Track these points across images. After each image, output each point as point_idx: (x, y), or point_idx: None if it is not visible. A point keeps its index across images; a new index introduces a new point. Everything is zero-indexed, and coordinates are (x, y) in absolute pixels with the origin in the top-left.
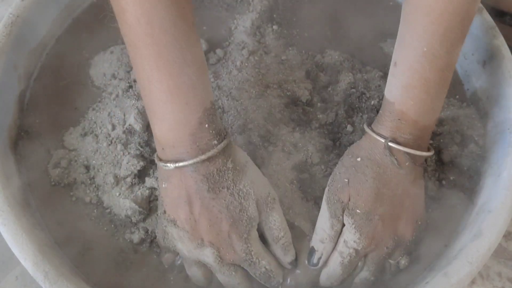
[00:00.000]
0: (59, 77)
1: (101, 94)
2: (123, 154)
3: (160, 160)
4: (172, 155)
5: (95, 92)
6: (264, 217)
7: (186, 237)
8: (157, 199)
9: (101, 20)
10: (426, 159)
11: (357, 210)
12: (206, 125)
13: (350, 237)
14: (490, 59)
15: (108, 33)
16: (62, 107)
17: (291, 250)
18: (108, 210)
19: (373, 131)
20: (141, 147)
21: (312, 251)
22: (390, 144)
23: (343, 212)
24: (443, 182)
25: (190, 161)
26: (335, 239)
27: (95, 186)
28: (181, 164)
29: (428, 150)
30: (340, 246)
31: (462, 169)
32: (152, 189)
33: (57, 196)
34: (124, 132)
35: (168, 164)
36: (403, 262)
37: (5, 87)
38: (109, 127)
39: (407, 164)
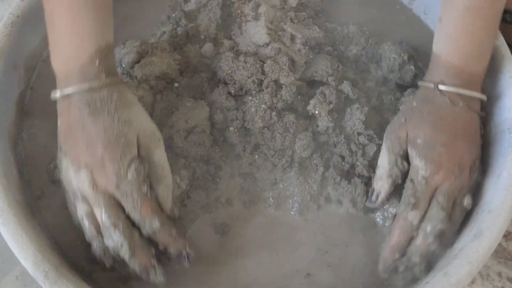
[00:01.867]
0: None
1: None
2: None
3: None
4: (64, 86)
5: None
6: (147, 154)
7: (69, 163)
8: None
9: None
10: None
11: (418, 141)
12: (97, 63)
13: (416, 167)
14: (490, 59)
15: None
16: None
17: (169, 197)
18: None
19: (424, 81)
20: None
21: (372, 190)
22: (439, 86)
23: (401, 148)
24: None
25: (75, 88)
26: (393, 175)
27: None
28: (65, 91)
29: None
30: (409, 181)
31: None
32: None
33: (57, 196)
34: None
35: (56, 92)
36: (466, 201)
37: (5, 87)
38: None
39: (460, 104)
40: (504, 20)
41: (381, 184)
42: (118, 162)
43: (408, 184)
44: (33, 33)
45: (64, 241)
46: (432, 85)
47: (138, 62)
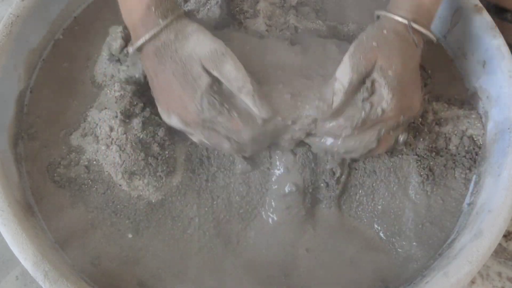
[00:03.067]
0: (59, 77)
1: (100, 94)
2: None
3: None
4: (134, 40)
5: (95, 92)
6: (218, 72)
7: (161, 109)
8: None
9: (101, 20)
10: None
11: (389, 72)
12: (153, 9)
13: (381, 96)
14: (490, 59)
15: (108, 33)
16: (62, 107)
17: (258, 100)
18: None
19: (392, 13)
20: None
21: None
22: (413, 24)
23: (366, 71)
24: (443, 181)
25: (141, 40)
26: (349, 94)
27: (95, 185)
28: (136, 44)
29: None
30: (367, 105)
31: (462, 169)
32: None
33: (57, 195)
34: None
35: (130, 48)
36: (402, 138)
37: (5, 87)
38: (107, 129)
39: (421, 45)
40: (504, 20)
41: (336, 99)
42: (195, 99)
43: (365, 104)
44: (33, 33)
45: (64, 241)
46: (405, 21)
47: (125, 46)
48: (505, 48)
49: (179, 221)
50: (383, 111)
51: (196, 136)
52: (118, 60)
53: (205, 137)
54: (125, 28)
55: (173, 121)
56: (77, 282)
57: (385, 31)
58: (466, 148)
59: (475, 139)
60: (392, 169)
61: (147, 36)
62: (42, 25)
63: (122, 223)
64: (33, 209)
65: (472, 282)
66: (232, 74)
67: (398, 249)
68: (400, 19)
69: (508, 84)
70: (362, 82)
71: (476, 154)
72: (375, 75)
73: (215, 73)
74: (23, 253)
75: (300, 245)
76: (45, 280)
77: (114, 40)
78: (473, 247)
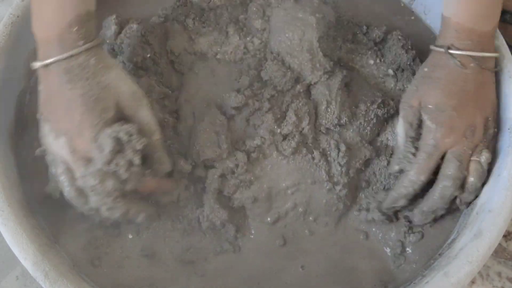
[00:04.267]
0: None
1: None
2: None
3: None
4: (43, 56)
5: None
6: (132, 113)
7: (49, 130)
8: None
9: (99, 19)
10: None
11: (429, 106)
12: (75, 28)
13: (428, 130)
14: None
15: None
16: None
17: (163, 155)
18: None
19: (434, 46)
20: None
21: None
22: (450, 50)
23: (415, 116)
24: None
25: (54, 58)
26: (412, 143)
27: None
28: (46, 61)
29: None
30: (421, 145)
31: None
32: None
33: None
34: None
35: (36, 63)
36: (484, 157)
37: (5, 87)
38: None
39: (471, 65)
40: (504, 20)
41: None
42: (95, 128)
43: (420, 147)
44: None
45: (64, 241)
46: (442, 50)
47: (119, 32)
48: (505, 48)
49: (179, 222)
50: (435, 142)
51: (75, 171)
52: (113, 50)
53: (82, 175)
54: (118, 16)
55: (60, 143)
56: (77, 282)
57: (426, 69)
58: None
59: None
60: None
61: (64, 55)
62: None
63: (122, 223)
64: (33, 209)
65: (472, 282)
66: (146, 118)
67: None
68: (436, 48)
69: (508, 84)
70: (418, 132)
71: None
72: (421, 115)
73: (129, 112)
74: (23, 253)
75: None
76: (45, 280)
77: (108, 28)
78: (473, 247)
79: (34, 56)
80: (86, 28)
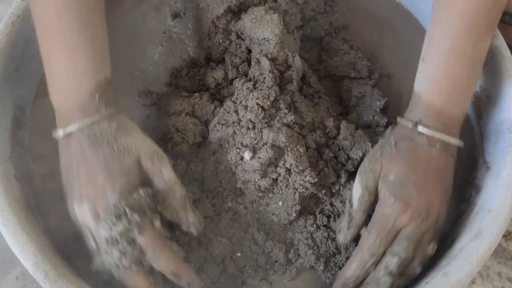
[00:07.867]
0: None
1: None
2: None
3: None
4: (64, 123)
5: None
6: (154, 172)
7: (73, 197)
8: None
9: None
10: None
11: (390, 177)
12: (97, 98)
13: (385, 204)
14: (490, 59)
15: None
16: None
17: (191, 209)
18: None
19: (402, 118)
20: None
21: (339, 226)
22: (418, 126)
23: (375, 182)
24: None
25: (76, 126)
26: (366, 211)
27: None
28: (68, 129)
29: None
30: (376, 217)
31: (462, 168)
32: None
33: (57, 195)
34: None
35: (59, 131)
36: (431, 247)
37: (5, 87)
38: None
39: (438, 146)
40: (503, 21)
41: (353, 218)
42: (118, 186)
43: (373, 219)
44: (33, 33)
45: (64, 241)
46: (410, 124)
47: None
48: (505, 48)
49: None
50: (391, 218)
51: (99, 234)
52: None
53: (112, 233)
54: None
55: (83, 209)
56: (77, 282)
57: (392, 138)
58: (465, 148)
59: (474, 139)
60: None
61: (87, 121)
62: None
63: None
64: (33, 209)
65: (472, 282)
66: (167, 175)
67: None
68: (405, 122)
69: (508, 84)
70: (375, 197)
71: (476, 154)
72: (379, 184)
73: (150, 174)
74: (23, 253)
75: None
76: (45, 280)
77: None
78: (473, 247)
79: (34, 57)
80: (106, 94)
